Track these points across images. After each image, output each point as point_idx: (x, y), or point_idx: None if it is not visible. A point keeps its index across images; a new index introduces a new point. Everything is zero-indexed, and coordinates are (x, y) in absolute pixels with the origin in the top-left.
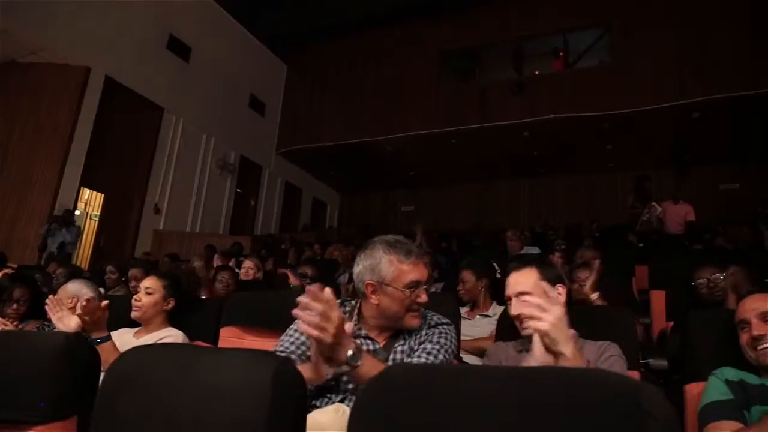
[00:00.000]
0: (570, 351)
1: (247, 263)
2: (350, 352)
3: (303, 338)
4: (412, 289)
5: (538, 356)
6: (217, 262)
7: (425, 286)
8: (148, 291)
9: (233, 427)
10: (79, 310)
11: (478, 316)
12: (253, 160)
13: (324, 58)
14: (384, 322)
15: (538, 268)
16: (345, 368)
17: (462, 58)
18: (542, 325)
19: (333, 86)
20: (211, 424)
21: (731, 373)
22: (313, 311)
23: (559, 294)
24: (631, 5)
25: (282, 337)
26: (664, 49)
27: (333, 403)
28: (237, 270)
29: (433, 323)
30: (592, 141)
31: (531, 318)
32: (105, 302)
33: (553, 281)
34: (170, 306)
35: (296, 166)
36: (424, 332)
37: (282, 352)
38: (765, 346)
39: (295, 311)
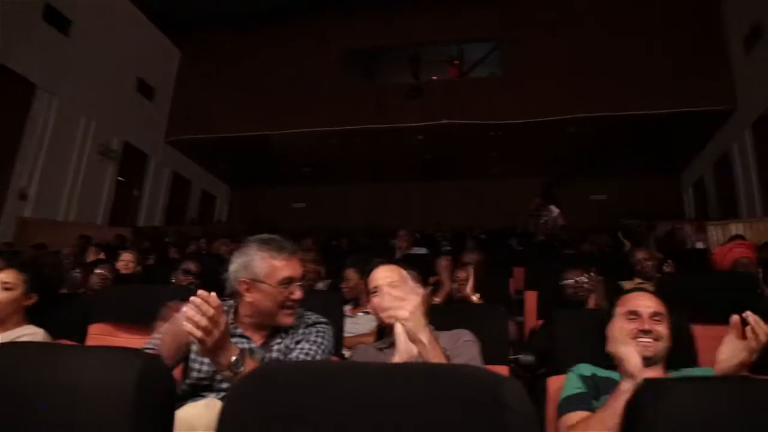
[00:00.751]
0: (426, 338)
1: (126, 256)
2: (234, 358)
3: None
4: (285, 286)
5: (402, 348)
6: (91, 255)
7: (299, 283)
8: (6, 286)
9: (96, 429)
10: None
11: (360, 314)
12: (139, 148)
13: (221, 47)
14: (259, 319)
15: (401, 266)
16: (227, 373)
17: (362, 58)
18: (402, 313)
19: (229, 76)
20: (71, 428)
21: (585, 369)
22: (203, 314)
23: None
24: (522, 25)
25: (155, 334)
26: (547, 67)
27: None
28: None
29: (310, 322)
30: (480, 148)
31: (392, 307)
32: None
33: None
34: (31, 302)
35: (186, 156)
36: (301, 331)
37: (152, 349)
38: (648, 340)
39: (187, 311)
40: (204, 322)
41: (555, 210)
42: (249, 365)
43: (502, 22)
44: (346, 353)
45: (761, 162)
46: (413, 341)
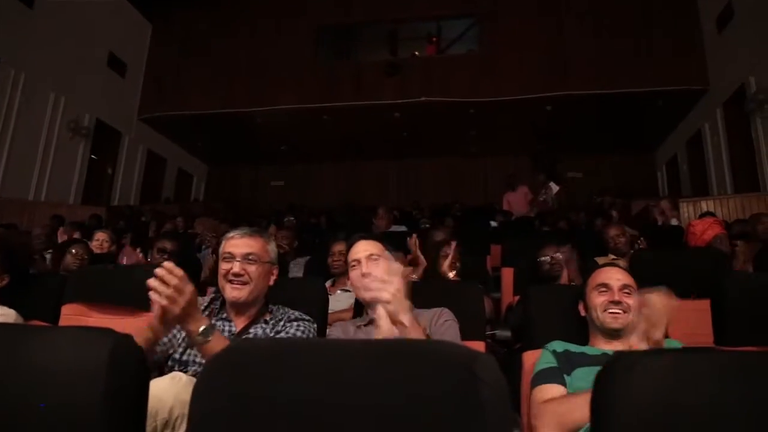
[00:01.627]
0: (408, 320)
1: (100, 235)
2: (202, 327)
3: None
4: (228, 260)
5: (384, 329)
6: (62, 235)
7: (238, 260)
8: None
9: (67, 410)
10: None
11: (338, 291)
12: (111, 125)
13: (194, 22)
14: (228, 301)
15: (381, 242)
16: (198, 339)
17: (338, 35)
18: (384, 295)
19: (204, 52)
20: (42, 409)
21: (558, 345)
22: (167, 284)
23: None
24: (498, 2)
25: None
26: (526, 44)
27: None
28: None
29: (293, 317)
30: (458, 126)
31: (374, 289)
32: None
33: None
34: (3, 283)
35: (160, 134)
36: (281, 324)
37: None
38: (617, 311)
39: (150, 281)
40: (168, 291)
41: (555, 187)
42: (218, 337)
43: None
44: (327, 330)
45: (731, 141)
46: (394, 323)
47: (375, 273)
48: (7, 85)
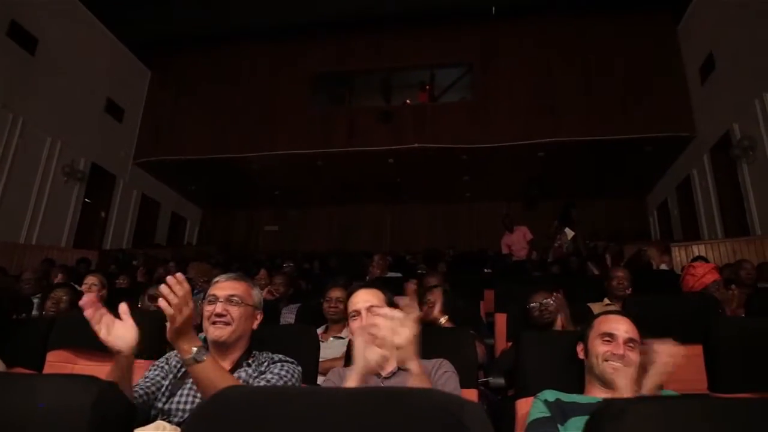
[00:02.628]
0: (416, 368)
1: (90, 279)
2: (195, 349)
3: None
4: (211, 303)
5: (359, 361)
6: (54, 279)
7: (221, 300)
8: None
9: None
10: None
11: (331, 338)
12: (107, 169)
13: (192, 68)
14: (210, 344)
15: (381, 290)
16: (189, 360)
17: (333, 82)
18: (398, 340)
19: (200, 98)
20: None
21: (550, 394)
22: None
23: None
24: (491, 51)
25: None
26: (515, 93)
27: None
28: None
29: (276, 359)
30: (451, 171)
31: (388, 332)
32: None
33: (391, 304)
34: None
35: (155, 178)
36: (264, 366)
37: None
38: (618, 364)
39: (162, 287)
40: (176, 300)
41: (570, 233)
42: (211, 361)
43: (473, 48)
44: (320, 379)
45: (719, 186)
46: (404, 369)
47: (392, 314)
48: (5, 128)
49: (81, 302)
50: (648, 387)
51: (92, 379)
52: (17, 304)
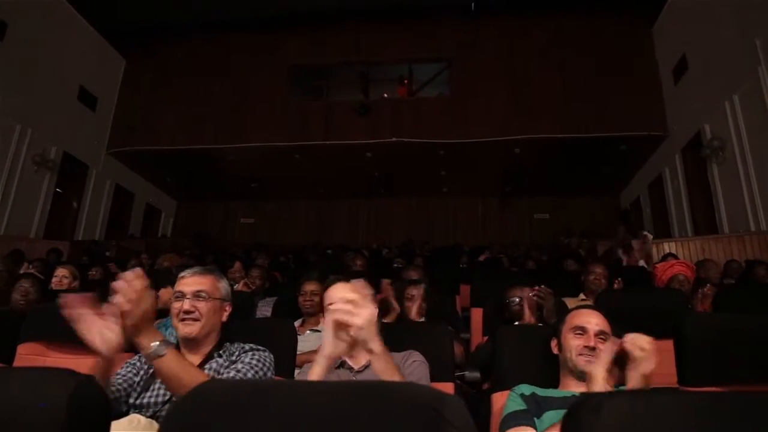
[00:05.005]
0: (378, 348)
1: (61, 271)
2: (155, 344)
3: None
4: (178, 299)
5: (327, 342)
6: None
7: (188, 297)
8: None
9: None
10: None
11: (308, 332)
12: (79, 158)
13: (168, 58)
14: (181, 341)
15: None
16: (149, 354)
17: (311, 74)
18: (357, 321)
19: (176, 88)
20: None
21: (526, 388)
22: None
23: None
24: (469, 48)
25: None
26: (493, 90)
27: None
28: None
29: (247, 348)
30: (428, 166)
31: (347, 314)
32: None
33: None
34: None
35: (129, 168)
36: (236, 355)
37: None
38: (590, 357)
39: (116, 283)
40: (132, 295)
41: (650, 236)
42: (173, 354)
43: (450, 44)
44: (296, 371)
45: (690, 185)
46: (366, 351)
47: (348, 296)
48: None
49: (61, 301)
50: (633, 381)
51: (69, 372)
52: None
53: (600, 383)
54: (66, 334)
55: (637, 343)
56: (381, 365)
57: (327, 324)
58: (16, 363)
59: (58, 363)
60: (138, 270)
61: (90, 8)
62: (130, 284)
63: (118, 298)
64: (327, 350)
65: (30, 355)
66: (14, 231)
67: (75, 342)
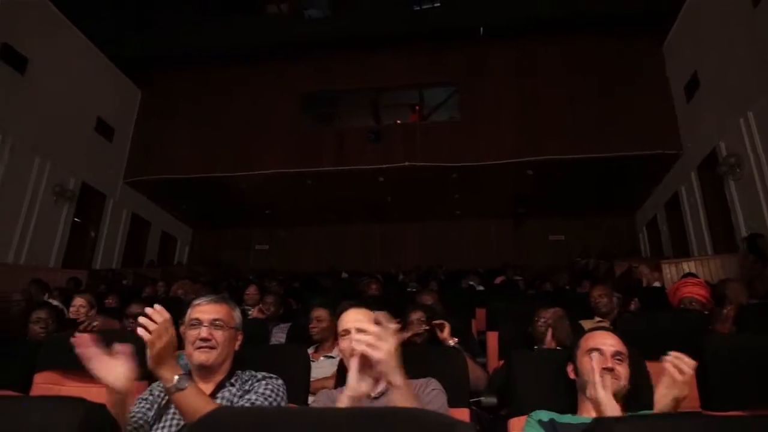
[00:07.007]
0: (400, 380)
1: (78, 300)
2: (177, 377)
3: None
4: (195, 327)
5: (352, 383)
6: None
7: (205, 325)
8: None
9: None
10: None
11: (321, 358)
12: (97, 188)
13: (182, 88)
14: (194, 368)
15: (371, 309)
16: (171, 388)
17: (321, 101)
18: (378, 354)
19: (189, 117)
20: None
21: (544, 414)
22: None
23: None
24: (477, 71)
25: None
26: (503, 112)
27: None
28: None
29: (260, 377)
30: (441, 190)
31: (368, 346)
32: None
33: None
34: None
35: (145, 197)
36: (249, 384)
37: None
38: (607, 378)
39: (140, 318)
40: (155, 326)
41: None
42: (193, 389)
43: (459, 69)
44: (310, 398)
45: (708, 203)
46: (387, 383)
47: (370, 329)
48: None
49: (73, 340)
50: (662, 403)
51: (79, 401)
52: (6, 325)
53: (610, 407)
54: (80, 363)
55: (680, 365)
56: (401, 398)
57: (352, 364)
58: (33, 392)
59: (72, 391)
60: (158, 306)
61: (106, 41)
62: (154, 317)
63: (142, 332)
64: (351, 390)
65: (46, 383)
66: (34, 261)
67: (89, 371)
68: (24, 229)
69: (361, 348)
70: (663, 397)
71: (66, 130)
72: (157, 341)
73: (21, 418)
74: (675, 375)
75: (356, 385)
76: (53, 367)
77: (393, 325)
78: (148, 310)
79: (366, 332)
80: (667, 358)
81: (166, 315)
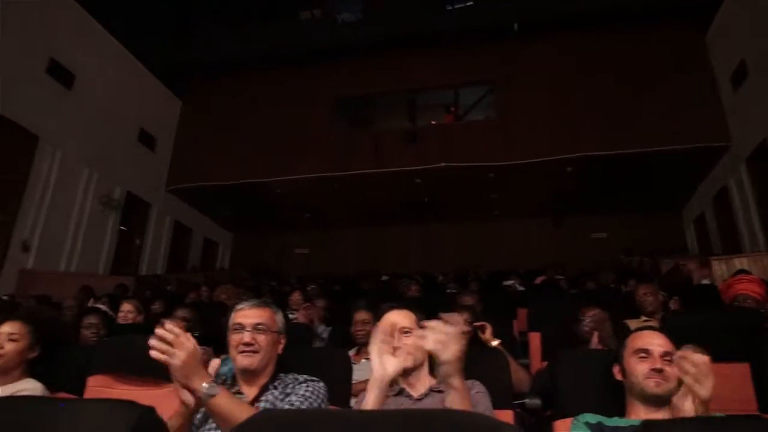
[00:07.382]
0: (459, 383)
1: (126, 306)
2: (206, 384)
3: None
4: (238, 331)
5: (376, 370)
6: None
7: (248, 329)
8: (12, 337)
9: None
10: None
11: (363, 360)
12: (141, 197)
13: (218, 96)
14: (239, 371)
15: (412, 311)
16: (201, 395)
17: (357, 104)
18: (445, 355)
19: (228, 124)
20: None
21: (591, 417)
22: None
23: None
24: (512, 68)
25: None
26: (540, 109)
27: None
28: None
29: (301, 380)
30: (479, 190)
31: (435, 345)
32: None
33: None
34: (34, 354)
35: (187, 204)
36: (290, 387)
37: None
38: (659, 379)
39: (150, 340)
40: (164, 347)
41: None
42: (225, 395)
43: (493, 67)
44: (352, 400)
45: (759, 196)
46: (446, 384)
47: (445, 329)
48: (44, 162)
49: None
50: (686, 408)
51: (130, 404)
52: (61, 331)
53: (684, 404)
54: (131, 366)
55: (683, 364)
56: (457, 400)
57: (374, 350)
58: (86, 394)
59: (123, 394)
60: (167, 324)
61: (146, 52)
62: (165, 337)
63: (154, 354)
64: (377, 373)
65: (98, 386)
66: (84, 268)
67: (140, 374)
68: (74, 238)
69: (431, 346)
70: (684, 404)
71: (111, 142)
72: (173, 359)
73: (75, 420)
74: (685, 378)
75: (380, 367)
76: (105, 371)
77: (465, 328)
78: (157, 331)
79: (435, 329)
80: (677, 356)
81: (178, 330)
